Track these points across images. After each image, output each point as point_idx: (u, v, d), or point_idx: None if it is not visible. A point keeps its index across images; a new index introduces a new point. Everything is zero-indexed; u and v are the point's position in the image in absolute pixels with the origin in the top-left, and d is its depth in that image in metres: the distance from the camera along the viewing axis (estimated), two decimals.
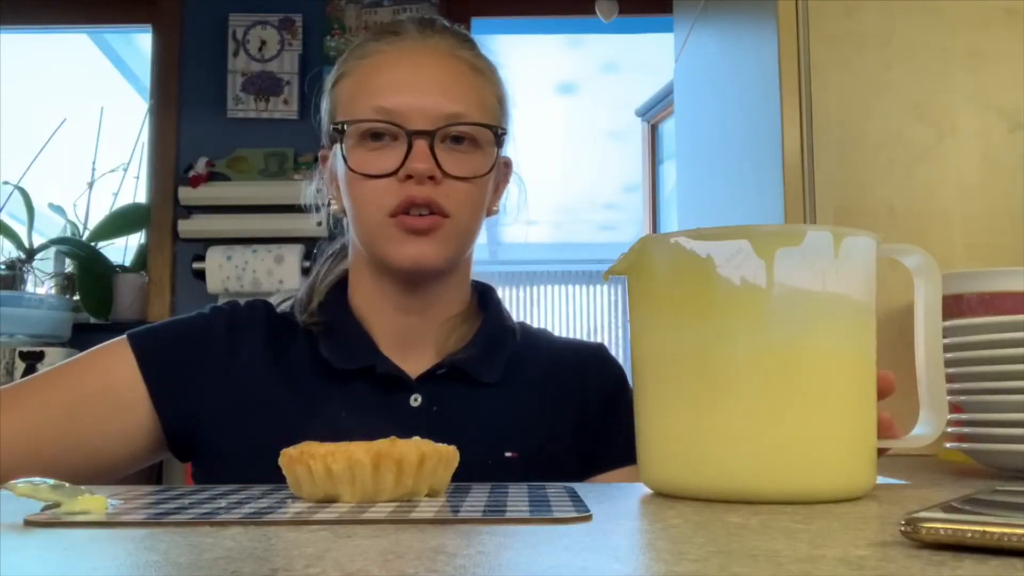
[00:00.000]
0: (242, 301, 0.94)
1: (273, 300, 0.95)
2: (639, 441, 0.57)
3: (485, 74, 0.89)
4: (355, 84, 0.87)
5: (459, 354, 0.88)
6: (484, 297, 0.95)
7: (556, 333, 1.01)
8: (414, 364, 0.88)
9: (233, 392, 0.85)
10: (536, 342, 0.95)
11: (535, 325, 1.00)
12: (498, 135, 0.87)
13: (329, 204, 0.94)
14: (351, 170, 0.85)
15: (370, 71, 0.87)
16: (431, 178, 0.82)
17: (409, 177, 0.82)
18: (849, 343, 0.53)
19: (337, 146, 0.87)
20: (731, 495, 0.51)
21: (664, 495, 0.56)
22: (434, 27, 0.89)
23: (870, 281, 0.54)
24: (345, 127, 0.85)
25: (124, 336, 0.88)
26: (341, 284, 0.93)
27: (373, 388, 0.86)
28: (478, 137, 0.85)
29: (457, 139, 0.84)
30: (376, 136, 0.84)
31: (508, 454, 0.84)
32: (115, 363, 0.85)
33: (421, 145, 0.82)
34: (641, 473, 0.57)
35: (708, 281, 0.51)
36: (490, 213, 0.94)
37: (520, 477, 0.82)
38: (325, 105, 0.92)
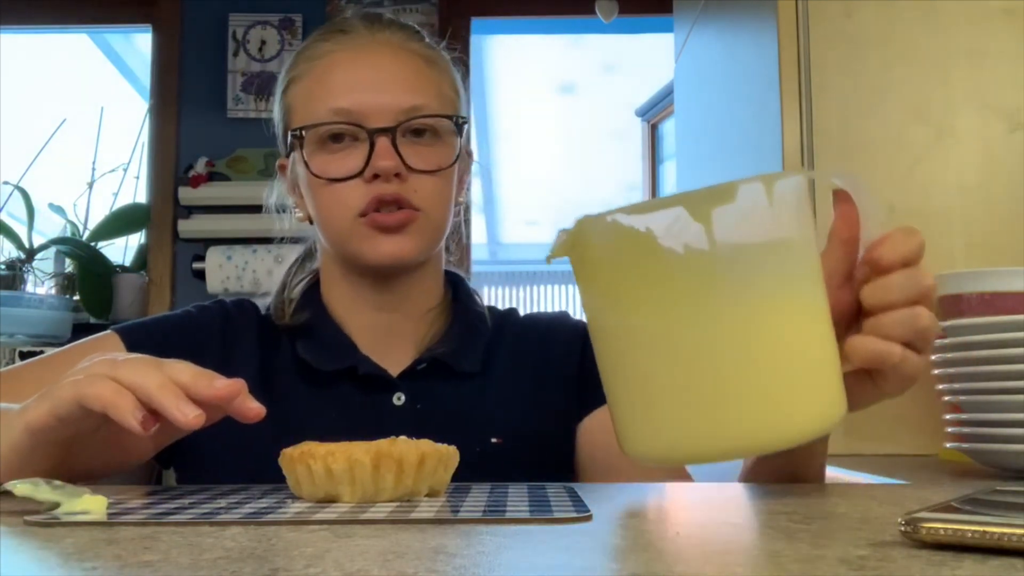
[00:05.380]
0: (228, 300, 0.93)
1: (258, 301, 0.94)
2: (614, 418, 0.56)
3: (439, 64, 0.88)
4: (309, 87, 0.86)
5: (437, 347, 0.88)
6: (456, 288, 0.95)
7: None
8: (395, 361, 0.87)
9: None
10: (505, 324, 0.95)
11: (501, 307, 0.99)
12: (459, 124, 0.86)
13: (292, 211, 0.92)
14: (315, 176, 0.83)
15: (323, 72, 0.85)
16: (397, 175, 0.81)
17: (375, 176, 0.81)
18: (800, 283, 0.53)
19: (296, 153, 0.85)
20: (713, 454, 0.51)
21: (651, 465, 0.55)
22: (381, 21, 0.88)
23: (808, 218, 0.54)
24: (304, 133, 0.83)
25: (111, 331, 0.85)
26: (315, 285, 0.92)
27: (356, 389, 0.85)
28: (439, 128, 0.85)
29: (419, 132, 0.83)
30: (336, 138, 0.83)
31: (493, 440, 0.85)
32: None
33: (384, 142, 0.81)
34: (623, 447, 0.56)
35: (652, 254, 0.51)
36: (456, 204, 0.92)
37: (506, 461, 0.82)
38: (278, 113, 0.90)
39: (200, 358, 0.86)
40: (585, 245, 0.54)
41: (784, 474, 0.70)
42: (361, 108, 0.82)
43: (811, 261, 0.54)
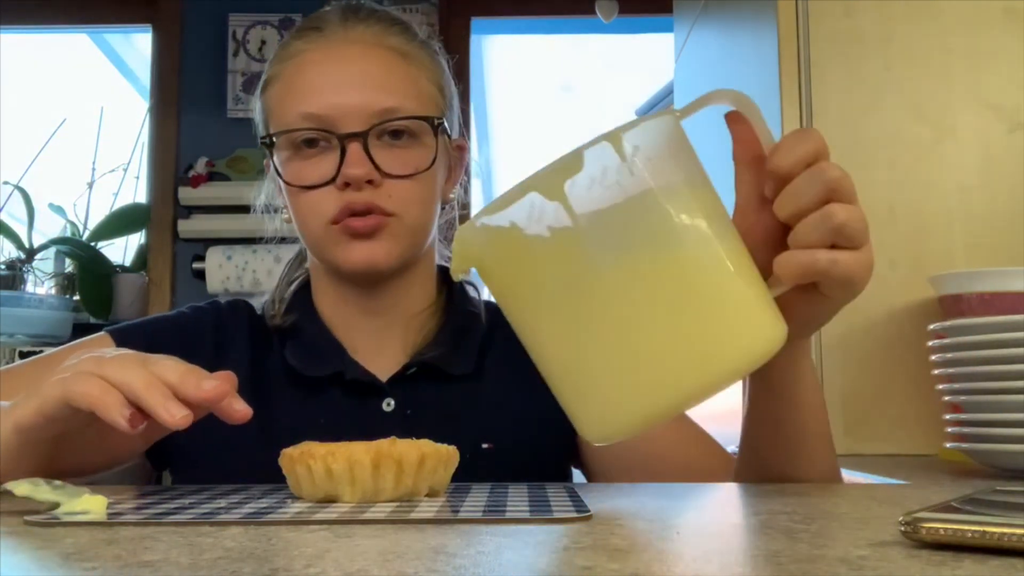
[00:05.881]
0: (223, 300, 0.92)
1: (255, 301, 0.93)
2: (565, 410, 0.55)
3: (418, 60, 0.84)
4: (282, 89, 0.83)
5: (427, 350, 0.86)
6: (450, 287, 0.92)
7: None
8: (385, 365, 0.85)
9: None
10: (500, 321, 0.91)
11: None
12: (435, 125, 0.82)
13: (281, 212, 0.91)
14: (287, 183, 0.82)
15: (294, 74, 0.82)
16: (370, 181, 0.79)
17: (347, 184, 0.78)
18: (689, 223, 0.51)
19: (273, 157, 0.84)
20: (656, 412, 0.50)
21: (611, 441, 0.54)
22: (358, 15, 0.84)
23: (687, 156, 0.52)
24: (274, 139, 0.82)
25: (104, 332, 0.85)
26: (306, 287, 0.91)
27: (345, 395, 0.84)
28: (416, 129, 0.81)
29: (396, 134, 0.80)
30: (310, 143, 0.80)
31: (484, 445, 0.83)
32: None
33: (355, 148, 0.78)
34: (582, 434, 0.55)
35: (525, 247, 0.49)
36: (445, 202, 0.90)
37: (497, 466, 0.81)
38: (258, 114, 0.88)
39: (192, 359, 0.86)
40: (473, 253, 0.52)
41: (777, 422, 0.67)
42: (331, 112, 0.79)
43: (699, 199, 0.52)
